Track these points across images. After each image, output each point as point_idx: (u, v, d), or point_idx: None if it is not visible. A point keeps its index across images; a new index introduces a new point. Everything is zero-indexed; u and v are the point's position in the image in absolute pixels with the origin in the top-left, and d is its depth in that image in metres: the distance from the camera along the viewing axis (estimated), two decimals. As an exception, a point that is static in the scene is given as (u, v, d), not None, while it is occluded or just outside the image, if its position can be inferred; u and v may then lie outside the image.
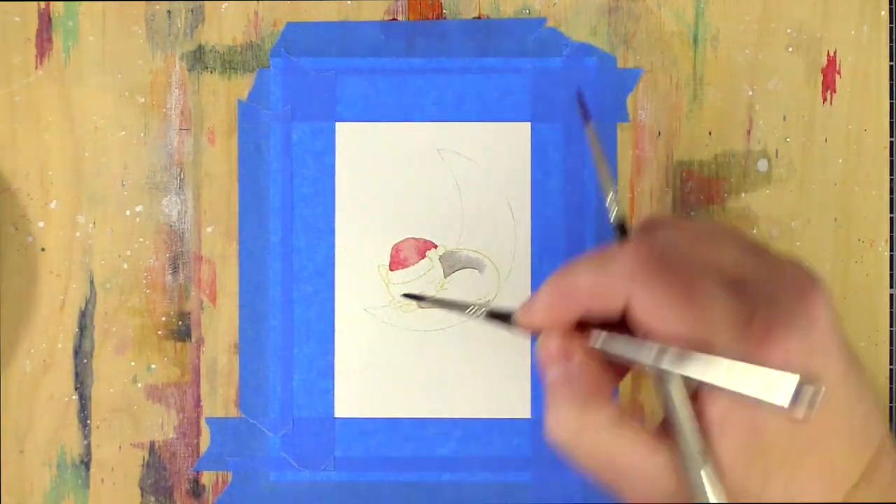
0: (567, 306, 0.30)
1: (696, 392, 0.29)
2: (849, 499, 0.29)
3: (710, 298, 0.28)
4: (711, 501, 0.28)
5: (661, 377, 0.29)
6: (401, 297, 0.37)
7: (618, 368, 0.32)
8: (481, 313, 0.32)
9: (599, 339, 0.29)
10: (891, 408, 0.36)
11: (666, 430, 0.30)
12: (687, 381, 0.29)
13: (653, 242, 0.29)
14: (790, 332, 0.28)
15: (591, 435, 0.29)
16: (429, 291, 0.37)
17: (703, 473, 0.28)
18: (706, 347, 0.28)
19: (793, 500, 0.28)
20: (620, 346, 0.29)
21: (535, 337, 0.31)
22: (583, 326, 0.30)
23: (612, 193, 0.31)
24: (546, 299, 0.30)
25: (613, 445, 0.29)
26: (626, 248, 0.29)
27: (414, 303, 0.37)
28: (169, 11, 0.37)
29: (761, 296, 0.29)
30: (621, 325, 0.30)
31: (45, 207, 0.37)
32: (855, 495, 0.29)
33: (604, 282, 0.29)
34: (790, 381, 0.25)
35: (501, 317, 0.31)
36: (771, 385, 0.26)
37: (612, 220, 0.31)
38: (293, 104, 0.37)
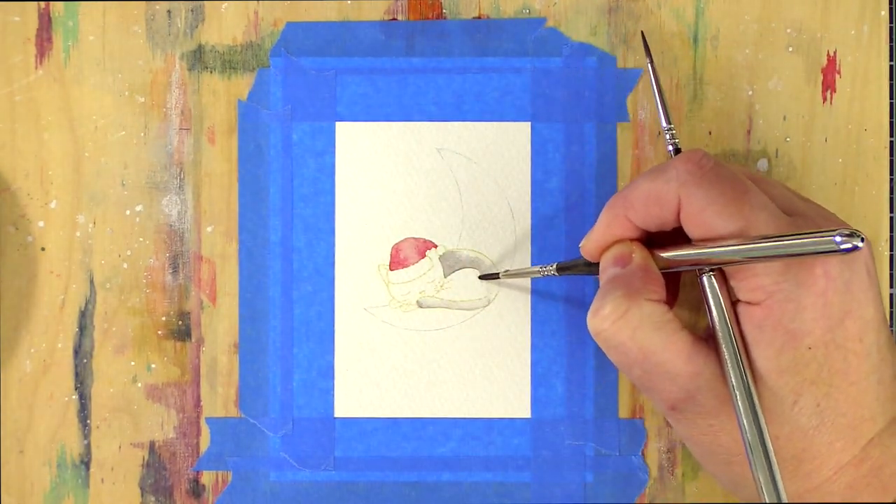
0: (625, 219, 0.31)
1: (736, 303, 0.30)
2: (872, 444, 0.29)
3: (757, 207, 0.29)
4: (745, 406, 0.28)
5: (706, 285, 0.30)
6: (404, 297, 0.37)
7: (674, 290, 0.34)
8: (552, 271, 0.34)
9: (662, 253, 0.31)
10: (891, 408, 0.36)
11: (708, 340, 0.30)
12: (730, 290, 0.30)
13: (706, 156, 0.30)
14: (832, 255, 0.28)
15: (627, 327, 0.30)
16: (429, 291, 0.37)
17: (741, 377, 0.29)
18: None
19: (823, 421, 0.29)
20: (678, 255, 0.30)
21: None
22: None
23: (670, 127, 0.33)
24: (606, 217, 0.32)
25: (649, 341, 0.30)
26: (681, 156, 0.30)
27: (414, 303, 0.37)
28: (169, 11, 0.37)
29: (809, 221, 0.30)
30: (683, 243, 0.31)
31: (44, 207, 0.37)
32: (881, 442, 0.30)
33: (657, 186, 0.30)
34: (832, 234, 0.26)
35: (572, 266, 0.34)
36: (817, 241, 0.26)
37: (668, 148, 0.32)
38: (293, 104, 0.37)
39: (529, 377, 0.37)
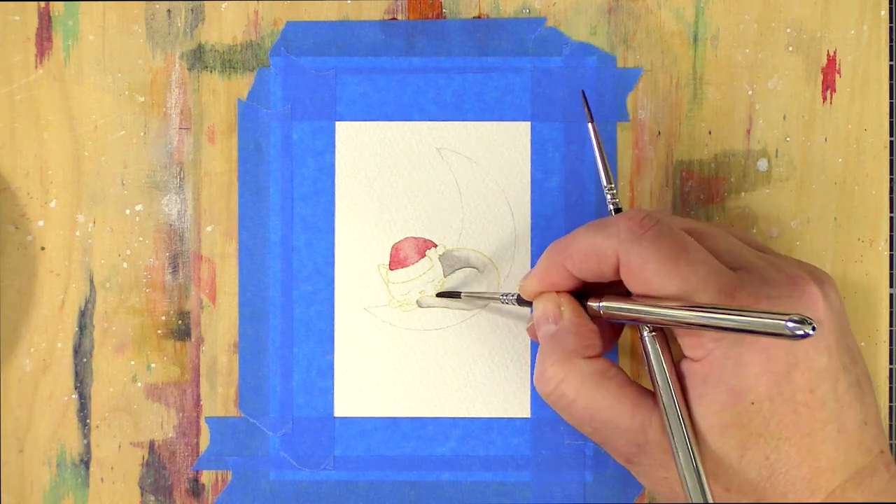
0: (563, 268, 0.31)
1: (680, 360, 0.30)
2: (833, 496, 0.29)
3: (697, 263, 0.29)
4: (688, 464, 0.28)
5: (647, 343, 0.30)
6: (404, 296, 0.37)
7: (614, 333, 0.34)
8: (513, 300, 0.34)
9: (598, 304, 0.31)
10: (891, 407, 0.36)
11: (654, 392, 0.30)
12: (672, 347, 0.30)
13: (649, 216, 0.30)
14: (778, 308, 0.28)
15: (570, 390, 0.31)
16: (428, 291, 0.37)
17: (683, 435, 0.28)
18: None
19: (774, 473, 0.29)
20: (616, 307, 0.30)
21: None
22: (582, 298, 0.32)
23: (610, 186, 0.33)
24: (544, 263, 0.32)
25: (591, 401, 0.30)
26: (624, 214, 0.31)
27: (414, 302, 0.37)
28: (169, 11, 0.37)
29: (754, 276, 0.29)
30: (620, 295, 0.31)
31: (44, 206, 0.37)
32: (843, 495, 0.29)
33: (598, 242, 0.30)
34: (783, 318, 0.25)
35: (529, 302, 0.34)
36: (766, 322, 0.26)
37: (609, 208, 0.33)
38: (293, 103, 0.37)
39: (529, 377, 0.37)
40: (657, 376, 0.30)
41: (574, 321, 0.31)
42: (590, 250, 0.30)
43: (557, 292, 0.32)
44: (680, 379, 0.30)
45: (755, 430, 0.28)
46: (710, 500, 0.28)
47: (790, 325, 0.25)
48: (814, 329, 0.25)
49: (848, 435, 0.29)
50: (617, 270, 0.30)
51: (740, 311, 0.26)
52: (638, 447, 0.30)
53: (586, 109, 0.34)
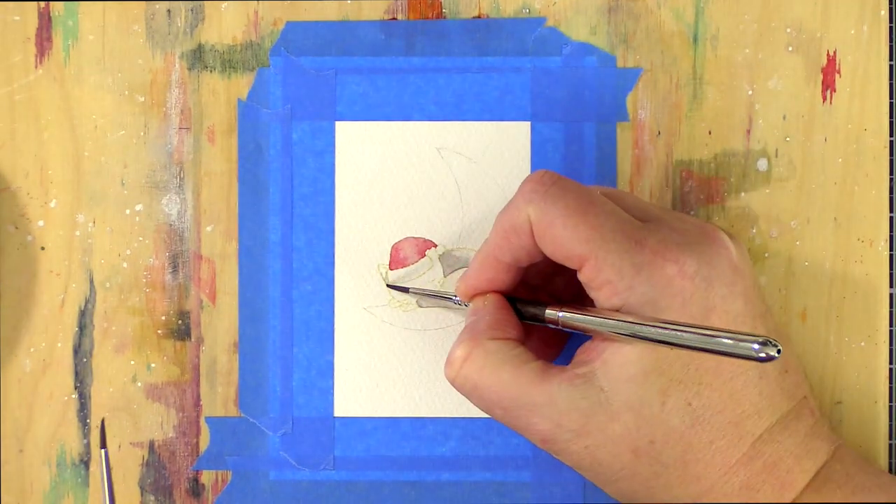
0: (492, 257, 0.31)
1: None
2: (761, 441, 0.29)
3: (605, 214, 0.29)
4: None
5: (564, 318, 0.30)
6: (402, 297, 0.37)
7: (560, 340, 0.34)
8: (462, 304, 0.33)
9: (557, 312, 0.30)
10: (891, 407, 0.36)
11: (558, 366, 0.30)
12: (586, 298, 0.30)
13: (548, 173, 0.30)
14: (686, 255, 0.28)
15: (473, 370, 0.30)
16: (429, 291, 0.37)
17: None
18: (597, 262, 0.28)
19: (697, 420, 0.28)
20: (573, 318, 0.30)
21: None
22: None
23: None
24: (475, 262, 0.32)
25: (495, 379, 0.29)
26: (524, 180, 0.30)
27: (414, 302, 0.37)
28: (169, 10, 0.37)
29: (663, 226, 0.29)
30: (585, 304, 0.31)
31: (44, 206, 0.37)
32: (770, 438, 0.29)
33: (510, 215, 0.30)
34: (750, 339, 0.25)
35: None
36: (731, 344, 0.25)
37: None
38: (293, 103, 0.37)
39: (529, 377, 0.37)
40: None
41: (491, 307, 0.31)
42: (506, 227, 0.30)
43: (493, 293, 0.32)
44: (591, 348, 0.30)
45: (675, 377, 0.28)
46: None
47: (756, 347, 0.25)
48: (779, 352, 0.24)
49: (770, 381, 0.29)
50: (529, 231, 0.30)
51: (704, 330, 0.26)
52: (551, 421, 0.29)
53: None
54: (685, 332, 0.26)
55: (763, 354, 0.24)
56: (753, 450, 0.29)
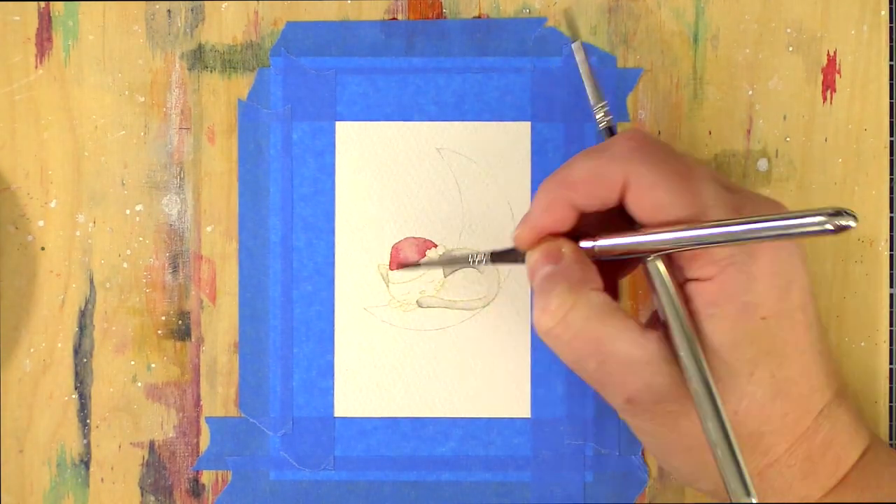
0: (566, 202, 0.30)
1: (684, 283, 0.29)
2: (823, 416, 0.30)
3: (704, 182, 0.28)
4: (701, 387, 0.27)
5: (653, 271, 0.29)
6: (404, 296, 0.37)
7: (617, 270, 0.33)
8: (486, 258, 0.32)
9: (592, 243, 0.30)
10: (891, 407, 0.36)
11: (655, 323, 0.30)
12: (675, 270, 0.29)
13: (647, 134, 0.30)
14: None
15: (578, 319, 0.29)
16: (428, 291, 0.37)
17: (691, 355, 0.28)
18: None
19: (777, 392, 0.29)
20: (616, 242, 0.29)
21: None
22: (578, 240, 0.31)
23: (602, 104, 0.31)
24: (542, 201, 0.30)
25: (601, 331, 0.29)
26: (622, 134, 0.29)
27: (414, 302, 0.37)
28: (169, 11, 0.37)
29: (745, 197, 0.29)
30: (618, 226, 0.30)
31: (44, 206, 0.37)
32: (829, 411, 0.30)
33: (601, 165, 0.29)
34: (822, 212, 0.25)
35: (505, 255, 0.32)
36: (808, 221, 0.25)
37: (600, 127, 0.31)
38: (293, 103, 0.37)
39: (529, 377, 0.37)
40: (664, 301, 0.29)
41: (576, 255, 0.30)
42: (594, 176, 0.29)
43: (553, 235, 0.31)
44: (686, 303, 0.29)
45: (765, 347, 0.28)
46: (734, 440, 0.27)
47: (828, 216, 0.24)
48: (855, 219, 0.24)
49: (826, 358, 0.30)
50: (621, 196, 0.29)
51: (784, 216, 0.26)
52: (643, 380, 0.29)
53: (571, 29, 0.33)
54: (762, 224, 0.26)
55: (843, 223, 0.24)
56: (816, 424, 0.29)
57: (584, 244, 0.30)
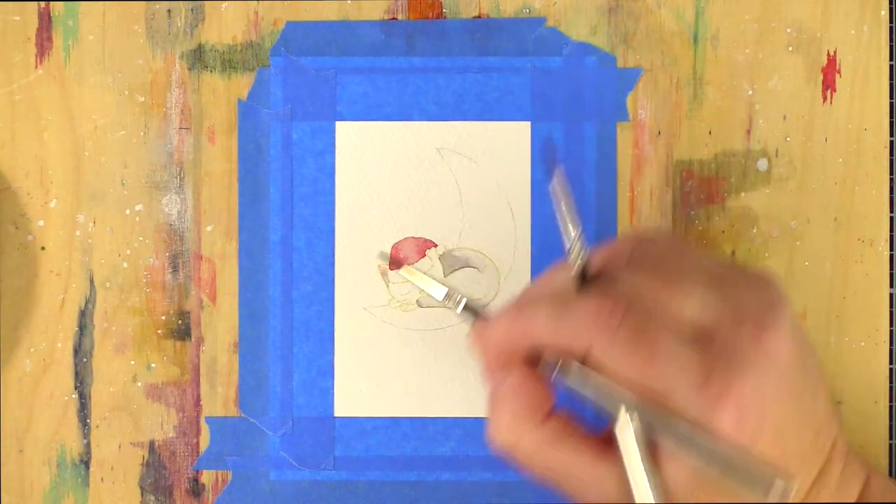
0: (522, 341, 0.29)
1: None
2: None
3: (671, 357, 0.28)
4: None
5: (621, 422, 0.28)
6: (404, 296, 0.37)
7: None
8: (460, 305, 0.32)
9: (553, 371, 0.29)
10: (891, 407, 0.36)
11: (610, 439, 0.29)
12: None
13: (616, 297, 0.28)
14: (745, 382, 0.27)
15: (529, 446, 0.29)
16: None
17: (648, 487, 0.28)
18: (663, 403, 0.27)
19: None
20: (578, 383, 0.29)
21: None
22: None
23: (575, 236, 0.29)
24: (502, 331, 0.30)
25: (553, 459, 0.29)
26: (589, 302, 0.28)
27: (414, 302, 0.37)
28: (169, 11, 0.37)
29: (722, 345, 0.28)
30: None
31: (44, 206, 0.37)
32: (807, 497, 0.29)
33: (564, 329, 0.28)
34: (764, 472, 0.26)
35: (477, 311, 0.32)
36: (749, 475, 0.26)
37: (573, 270, 0.29)
38: (293, 103, 0.37)
39: (529, 377, 0.37)
40: (628, 458, 0.28)
41: (524, 382, 0.29)
42: (555, 336, 0.28)
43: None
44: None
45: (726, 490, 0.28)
46: None
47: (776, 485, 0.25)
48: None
49: (806, 452, 0.29)
50: (583, 355, 0.28)
51: (725, 448, 0.26)
52: (601, 496, 0.29)
53: (549, 161, 0.32)
54: (706, 444, 0.26)
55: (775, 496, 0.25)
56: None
57: (547, 361, 0.29)
